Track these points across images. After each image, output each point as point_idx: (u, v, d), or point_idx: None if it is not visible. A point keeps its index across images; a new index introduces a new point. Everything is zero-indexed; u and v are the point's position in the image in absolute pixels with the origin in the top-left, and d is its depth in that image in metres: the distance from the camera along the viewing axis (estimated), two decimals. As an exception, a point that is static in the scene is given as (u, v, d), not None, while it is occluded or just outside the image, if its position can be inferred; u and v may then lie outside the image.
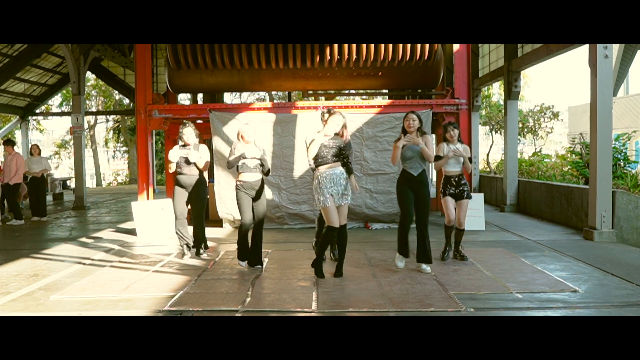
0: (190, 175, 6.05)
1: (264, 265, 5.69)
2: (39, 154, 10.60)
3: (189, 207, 6.26)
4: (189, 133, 6.05)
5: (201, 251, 6.24)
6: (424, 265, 5.28)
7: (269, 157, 8.40)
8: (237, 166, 5.48)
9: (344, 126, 5.18)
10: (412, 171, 5.20)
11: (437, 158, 5.66)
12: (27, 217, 10.37)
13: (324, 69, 9.23)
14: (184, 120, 8.80)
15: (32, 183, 10.26)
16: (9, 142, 10.11)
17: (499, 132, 17.76)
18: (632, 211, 7.28)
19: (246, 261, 5.64)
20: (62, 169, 29.61)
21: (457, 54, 9.12)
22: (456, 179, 5.81)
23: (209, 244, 6.78)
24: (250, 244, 5.61)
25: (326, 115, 5.11)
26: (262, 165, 5.55)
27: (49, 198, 14.39)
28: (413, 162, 5.19)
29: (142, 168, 9.32)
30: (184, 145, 6.08)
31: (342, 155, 5.06)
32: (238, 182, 5.51)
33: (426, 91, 10.31)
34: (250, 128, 5.57)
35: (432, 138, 9.58)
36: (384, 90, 11.07)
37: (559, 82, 62.68)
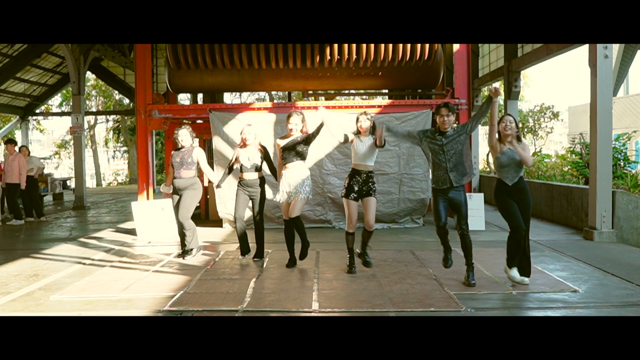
0: (184, 179, 6.05)
1: (264, 264, 5.70)
2: (28, 154, 10.58)
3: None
4: (184, 135, 6.07)
5: (192, 253, 6.14)
6: (525, 279, 4.75)
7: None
8: (240, 166, 5.82)
9: (304, 122, 5.49)
10: (507, 181, 4.72)
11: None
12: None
13: (324, 69, 9.22)
14: (184, 121, 8.85)
15: (26, 183, 10.15)
16: (11, 142, 10.09)
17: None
18: (632, 211, 7.28)
19: (246, 255, 5.97)
20: (62, 169, 29.57)
21: (457, 54, 9.11)
22: (364, 175, 5.19)
23: (208, 244, 6.79)
24: (255, 239, 5.97)
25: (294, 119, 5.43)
26: (264, 163, 5.89)
27: (49, 198, 14.38)
28: (507, 172, 4.71)
29: (142, 168, 9.31)
30: (180, 148, 6.13)
31: (301, 147, 5.38)
32: (239, 179, 5.89)
33: (426, 91, 10.30)
34: (251, 130, 5.77)
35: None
36: (384, 90, 11.07)
37: (559, 82, 62.56)
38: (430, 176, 5.06)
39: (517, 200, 4.72)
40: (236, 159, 5.79)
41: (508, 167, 4.70)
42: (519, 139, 4.75)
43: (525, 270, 4.79)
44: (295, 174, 5.40)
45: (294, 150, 5.39)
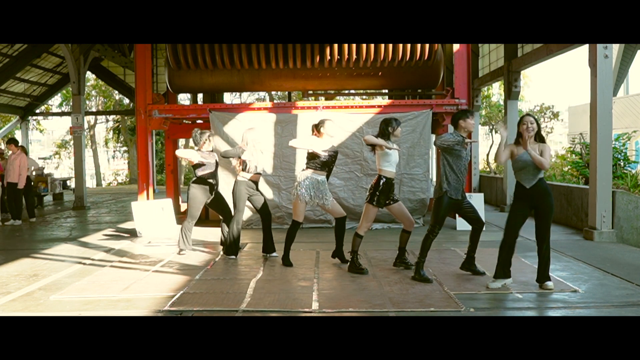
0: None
1: (264, 265, 5.71)
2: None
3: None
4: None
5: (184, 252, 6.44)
6: (548, 283, 4.64)
7: (270, 156, 8.43)
8: (248, 167, 5.94)
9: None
10: (524, 183, 4.55)
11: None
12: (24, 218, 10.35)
13: (324, 69, 9.22)
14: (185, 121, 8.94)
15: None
16: (12, 141, 10.10)
17: (499, 132, 17.74)
18: (632, 211, 7.28)
19: (235, 255, 6.10)
20: (62, 169, 29.56)
21: (457, 54, 9.11)
22: (393, 181, 5.40)
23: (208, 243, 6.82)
24: (264, 234, 6.26)
25: (326, 125, 5.58)
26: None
27: (49, 198, 14.38)
28: (524, 175, 4.56)
29: (142, 168, 9.31)
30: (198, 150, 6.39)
31: (332, 164, 5.66)
32: (243, 179, 5.98)
33: (426, 91, 10.30)
34: (254, 135, 6.03)
35: (432, 138, 9.58)
36: (384, 90, 11.07)
37: (559, 82, 62.60)
38: (446, 182, 4.92)
39: (537, 204, 4.55)
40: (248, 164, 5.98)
41: (525, 170, 4.54)
42: (541, 139, 4.60)
43: (544, 275, 4.64)
44: (324, 181, 5.60)
45: (328, 161, 5.57)
